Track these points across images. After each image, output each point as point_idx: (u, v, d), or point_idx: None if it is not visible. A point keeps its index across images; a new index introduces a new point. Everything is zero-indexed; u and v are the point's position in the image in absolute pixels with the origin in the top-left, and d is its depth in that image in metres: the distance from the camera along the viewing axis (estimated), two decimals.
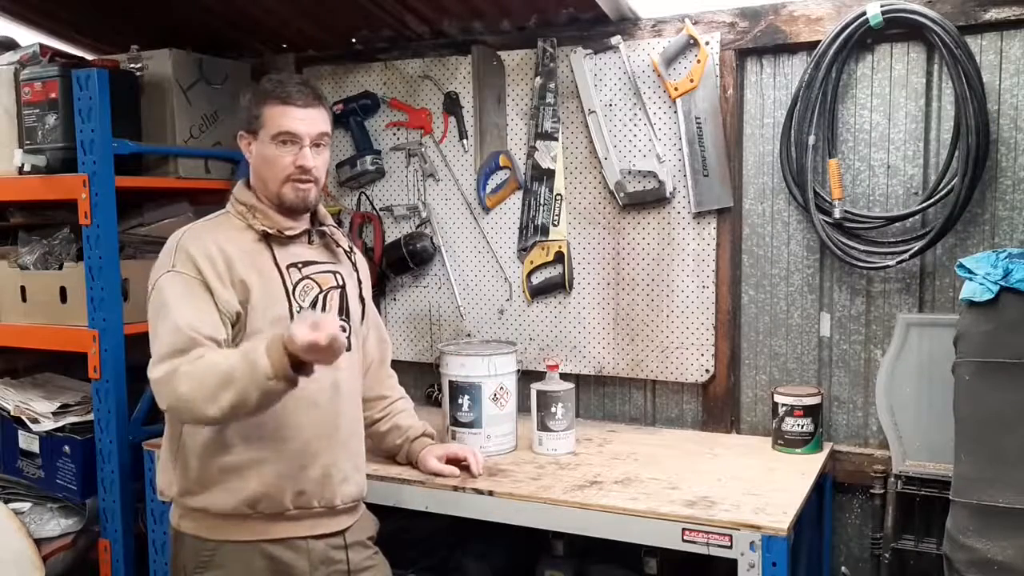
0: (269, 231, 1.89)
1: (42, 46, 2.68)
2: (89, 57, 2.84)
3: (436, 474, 2.16)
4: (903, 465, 2.28)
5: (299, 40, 3.01)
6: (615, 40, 2.56)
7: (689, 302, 2.56)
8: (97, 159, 2.43)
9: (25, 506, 2.68)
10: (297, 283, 1.90)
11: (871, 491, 2.33)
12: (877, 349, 2.40)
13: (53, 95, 2.50)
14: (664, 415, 2.67)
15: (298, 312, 1.87)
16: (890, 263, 2.28)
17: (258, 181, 1.93)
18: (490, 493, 2.08)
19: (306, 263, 1.94)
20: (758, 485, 2.07)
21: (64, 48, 3.03)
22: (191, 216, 2.77)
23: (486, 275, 2.84)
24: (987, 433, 1.93)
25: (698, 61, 2.47)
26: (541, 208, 2.72)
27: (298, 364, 1.63)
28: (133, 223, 2.80)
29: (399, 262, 2.88)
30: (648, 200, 2.58)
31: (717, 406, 2.57)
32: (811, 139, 2.33)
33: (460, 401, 2.34)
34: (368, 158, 2.92)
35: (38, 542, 2.58)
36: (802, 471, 2.17)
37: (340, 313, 1.98)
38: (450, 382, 2.37)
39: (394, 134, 2.94)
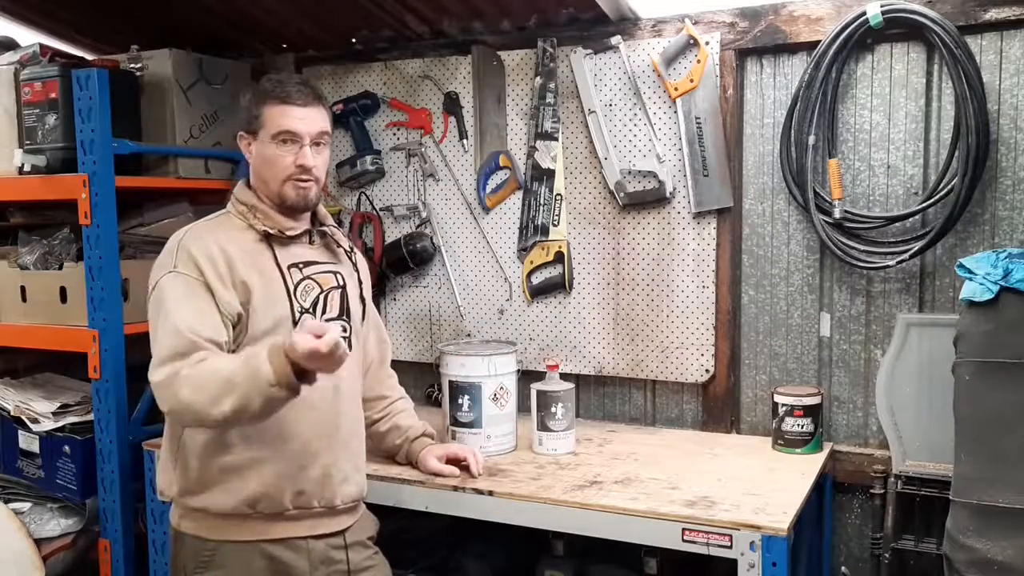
0: (270, 231, 1.89)
1: (42, 46, 2.68)
2: (89, 57, 2.84)
3: (436, 474, 2.16)
4: (903, 465, 2.28)
5: (299, 40, 3.01)
6: (615, 40, 2.56)
7: (689, 302, 2.56)
8: (97, 159, 2.43)
9: (25, 506, 2.68)
10: (298, 283, 1.90)
11: (871, 491, 2.33)
12: (877, 349, 2.40)
13: (53, 95, 2.50)
14: (664, 415, 2.67)
15: (299, 313, 1.87)
16: (890, 263, 2.28)
17: (258, 181, 1.93)
18: (490, 493, 2.08)
19: (307, 263, 1.94)
20: (758, 485, 2.07)
21: (64, 48, 3.02)
22: (191, 216, 2.77)
23: (486, 275, 2.84)
24: (987, 433, 1.93)
25: (698, 61, 2.47)
26: (541, 208, 2.72)
27: (301, 372, 1.63)
28: (133, 223, 2.80)
29: (399, 262, 2.88)
30: (648, 200, 2.58)
31: (717, 406, 2.57)
32: (811, 139, 2.33)
33: (460, 401, 2.34)
34: (368, 158, 2.92)
35: (38, 542, 2.58)
36: (802, 471, 2.17)
37: (341, 313, 1.98)
38: (450, 382, 2.37)
39: (394, 134, 2.94)
